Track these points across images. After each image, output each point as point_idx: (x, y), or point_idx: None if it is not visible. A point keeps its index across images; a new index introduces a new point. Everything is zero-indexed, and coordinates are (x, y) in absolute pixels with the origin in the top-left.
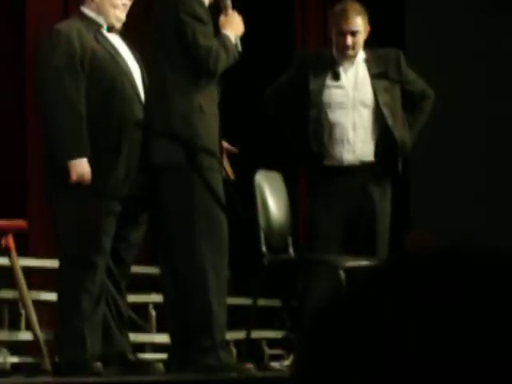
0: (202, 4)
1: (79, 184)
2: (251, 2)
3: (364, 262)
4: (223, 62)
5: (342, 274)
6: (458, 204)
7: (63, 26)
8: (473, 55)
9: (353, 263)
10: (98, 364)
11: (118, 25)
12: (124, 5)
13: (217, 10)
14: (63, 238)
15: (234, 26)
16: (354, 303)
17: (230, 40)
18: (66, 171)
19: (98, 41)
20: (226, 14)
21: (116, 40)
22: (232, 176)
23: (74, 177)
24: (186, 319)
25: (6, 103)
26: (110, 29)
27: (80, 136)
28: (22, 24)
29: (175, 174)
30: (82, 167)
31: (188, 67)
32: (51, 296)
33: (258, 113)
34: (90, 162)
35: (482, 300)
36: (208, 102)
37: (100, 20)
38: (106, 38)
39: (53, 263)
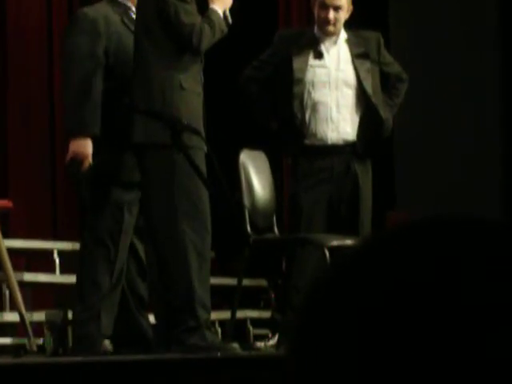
0: None
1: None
2: None
3: (348, 241)
4: (207, 39)
5: (326, 252)
6: (442, 184)
7: (90, 10)
8: (453, 39)
9: (337, 242)
10: (107, 342)
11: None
12: None
13: None
14: (87, 216)
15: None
16: (344, 281)
17: (216, 14)
18: None
19: (125, 24)
20: None
21: None
22: None
23: (69, 155)
24: (169, 300)
25: None
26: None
27: (83, 115)
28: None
29: (156, 152)
30: (79, 146)
31: (170, 45)
32: (35, 277)
33: (238, 91)
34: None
35: (474, 266)
36: (190, 80)
37: (128, 3)
38: (133, 21)
39: (36, 244)
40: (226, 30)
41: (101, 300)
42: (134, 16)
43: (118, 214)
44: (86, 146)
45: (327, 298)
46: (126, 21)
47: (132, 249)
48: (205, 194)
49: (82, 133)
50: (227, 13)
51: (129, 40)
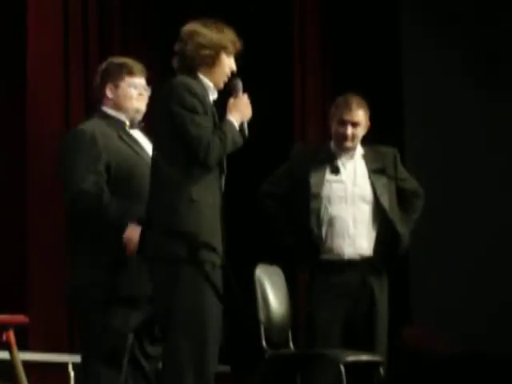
0: (195, 94)
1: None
2: (251, 94)
3: (364, 357)
4: (216, 152)
5: (342, 368)
6: (458, 296)
7: (87, 126)
8: (474, 149)
9: (353, 358)
10: None
11: (139, 116)
12: (140, 95)
13: (228, 93)
14: (87, 336)
15: (240, 110)
16: None
17: (231, 126)
18: None
19: (121, 139)
20: (235, 97)
21: (139, 136)
22: None
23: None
24: None
25: (4, 195)
26: (132, 125)
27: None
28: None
29: (165, 266)
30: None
31: (181, 158)
32: None
33: (255, 206)
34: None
35: None
36: (202, 191)
37: (121, 117)
38: (129, 136)
39: (51, 357)
40: (240, 142)
41: None
42: (128, 130)
43: (122, 335)
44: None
45: None
46: (122, 135)
47: (135, 359)
48: (215, 309)
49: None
50: (245, 125)
51: (127, 154)
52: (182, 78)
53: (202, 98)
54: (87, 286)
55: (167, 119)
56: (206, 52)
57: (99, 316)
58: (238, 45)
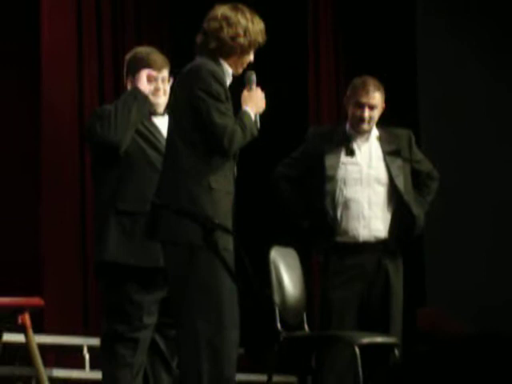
0: (220, 80)
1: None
2: (265, 79)
3: (379, 339)
4: (239, 141)
5: (356, 350)
6: (473, 279)
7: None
8: (489, 131)
9: (368, 340)
10: None
11: (160, 109)
12: (156, 89)
13: (241, 84)
14: (106, 313)
15: (255, 103)
16: None
17: (249, 117)
18: None
19: (143, 125)
20: (249, 90)
21: (163, 123)
22: None
23: None
24: None
25: (20, 182)
26: (156, 113)
27: None
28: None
29: (179, 249)
30: None
31: (201, 144)
32: (65, 373)
33: (269, 189)
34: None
35: None
36: (220, 179)
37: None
38: (152, 124)
39: (66, 340)
40: (256, 133)
41: None
42: (153, 118)
43: (135, 309)
44: None
45: None
46: (145, 122)
47: (154, 344)
48: (230, 292)
49: None
50: (257, 118)
51: (140, 142)
52: (206, 63)
53: (225, 84)
54: (114, 261)
55: (191, 104)
56: (241, 42)
57: (124, 291)
58: (265, 38)
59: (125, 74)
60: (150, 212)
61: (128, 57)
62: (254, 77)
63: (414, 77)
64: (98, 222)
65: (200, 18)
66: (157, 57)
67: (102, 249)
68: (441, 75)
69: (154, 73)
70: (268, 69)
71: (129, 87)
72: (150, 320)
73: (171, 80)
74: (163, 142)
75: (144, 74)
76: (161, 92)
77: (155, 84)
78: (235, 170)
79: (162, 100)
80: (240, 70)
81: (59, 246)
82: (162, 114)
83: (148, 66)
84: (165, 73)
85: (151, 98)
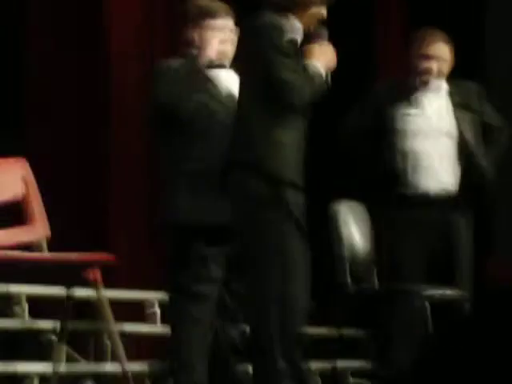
0: (288, 36)
1: None
2: (333, 34)
3: (448, 292)
4: (308, 97)
5: (426, 304)
6: None
7: (170, 62)
8: None
9: (437, 292)
10: None
11: (226, 60)
12: (223, 41)
13: (308, 40)
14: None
15: (326, 58)
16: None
17: (319, 73)
18: None
19: (199, 79)
20: (321, 44)
21: (224, 76)
22: None
23: None
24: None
25: (88, 135)
26: (212, 66)
27: None
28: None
29: (246, 204)
30: None
31: (271, 101)
32: (136, 327)
33: (336, 141)
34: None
35: None
36: (291, 135)
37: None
38: (207, 77)
39: (137, 294)
40: (324, 89)
41: (192, 351)
42: (214, 70)
43: (202, 264)
44: None
45: (436, 364)
46: (200, 76)
47: (222, 299)
48: (300, 247)
49: None
50: (328, 75)
51: (199, 96)
52: (274, 18)
53: (294, 39)
54: (182, 219)
55: (257, 59)
56: None
57: (191, 247)
58: None
59: (181, 24)
60: (221, 169)
61: (184, 8)
62: (325, 32)
63: (483, 33)
64: (164, 179)
65: None
66: (220, 5)
67: (169, 206)
68: (510, 28)
69: (220, 21)
70: (335, 23)
71: (189, 37)
72: (217, 274)
73: (237, 30)
74: (225, 95)
75: (211, 22)
76: (231, 40)
77: (224, 33)
78: (305, 126)
79: (230, 49)
80: (309, 27)
81: (127, 199)
82: (226, 67)
83: (211, 15)
84: (230, 21)
85: (220, 46)
